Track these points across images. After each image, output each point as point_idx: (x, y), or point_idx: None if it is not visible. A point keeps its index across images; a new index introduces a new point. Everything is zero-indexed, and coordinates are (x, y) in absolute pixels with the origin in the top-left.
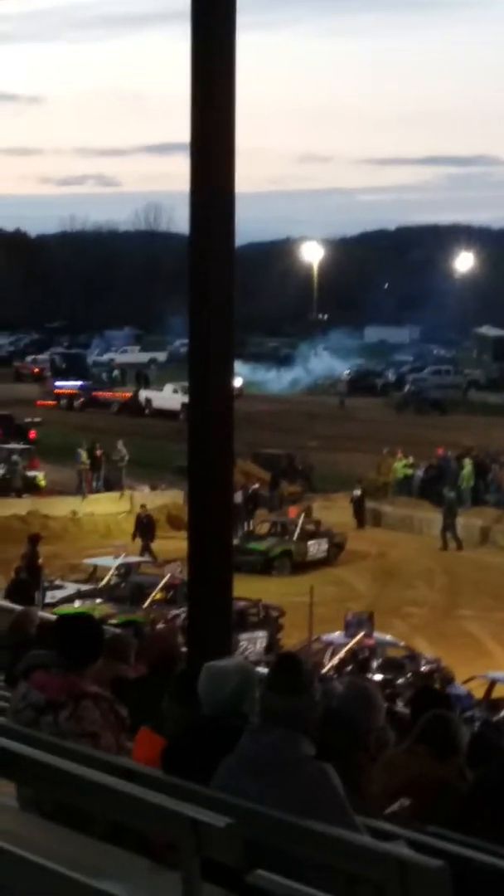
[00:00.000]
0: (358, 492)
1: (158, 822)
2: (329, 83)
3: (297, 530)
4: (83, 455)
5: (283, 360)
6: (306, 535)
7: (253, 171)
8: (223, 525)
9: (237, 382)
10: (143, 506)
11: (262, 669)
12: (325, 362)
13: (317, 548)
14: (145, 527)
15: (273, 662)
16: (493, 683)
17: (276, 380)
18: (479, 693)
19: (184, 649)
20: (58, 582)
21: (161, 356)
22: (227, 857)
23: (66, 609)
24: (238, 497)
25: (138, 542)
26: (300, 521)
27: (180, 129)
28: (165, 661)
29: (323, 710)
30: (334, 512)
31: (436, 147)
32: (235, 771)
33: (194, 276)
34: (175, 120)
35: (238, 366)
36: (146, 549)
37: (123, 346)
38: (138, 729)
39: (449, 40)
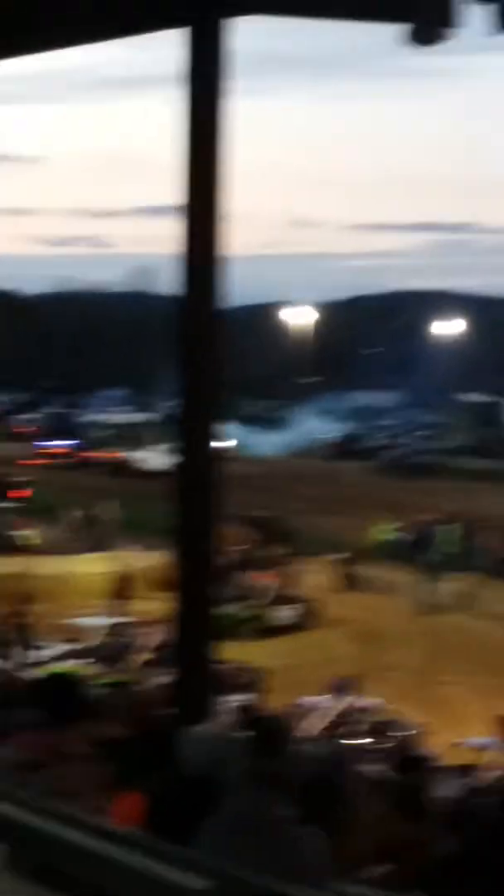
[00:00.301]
0: (345, 555)
1: (139, 884)
2: (320, 149)
3: (270, 596)
4: (73, 515)
5: (271, 423)
6: (279, 601)
7: (243, 235)
8: (207, 586)
9: (231, 444)
10: (127, 564)
11: (245, 732)
12: (311, 425)
13: (288, 613)
14: (123, 586)
15: (253, 726)
16: (476, 749)
17: (264, 442)
18: (462, 758)
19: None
20: (43, 643)
21: (154, 417)
22: None
23: (52, 668)
24: (234, 557)
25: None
26: (274, 587)
27: (172, 192)
28: (149, 722)
29: (303, 772)
30: (320, 575)
31: (424, 214)
32: (217, 831)
33: (183, 339)
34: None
35: (232, 427)
36: (122, 609)
37: (116, 406)
38: (121, 789)
39: (438, 109)
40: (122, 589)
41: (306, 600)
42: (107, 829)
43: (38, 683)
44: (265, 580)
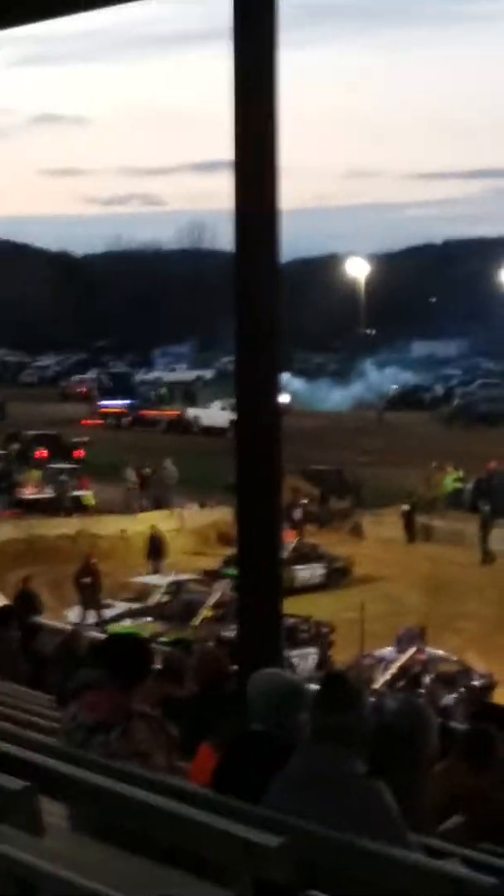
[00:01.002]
0: (407, 507)
1: (210, 842)
2: (373, 99)
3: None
4: (131, 474)
5: (331, 376)
6: (299, 560)
7: (298, 188)
8: (272, 541)
9: (285, 399)
10: (152, 525)
11: (313, 686)
12: (372, 377)
13: (310, 573)
14: (155, 546)
15: (321, 680)
16: None
17: (324, 395)
18: None
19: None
20: (107, 601)
21: (208, 374)
22: (280, 876)
23: (116, 627)
24: (297, 513)
25: (191, 559)
26: (291, 545)
27: (224, 147)
28: (215, 680)
29: (374, 726)
30: (384, 527)
31: (483, 160)
32: (286, 788)
33: (240, 294)
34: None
35: (286, 381)
36: (156, 568)
37: (173, 364)
38: (188, 748)
39: (496, 53)
40: (154, 548)
41: (334, 558)
42: (176, 788)
43: (103, 643)
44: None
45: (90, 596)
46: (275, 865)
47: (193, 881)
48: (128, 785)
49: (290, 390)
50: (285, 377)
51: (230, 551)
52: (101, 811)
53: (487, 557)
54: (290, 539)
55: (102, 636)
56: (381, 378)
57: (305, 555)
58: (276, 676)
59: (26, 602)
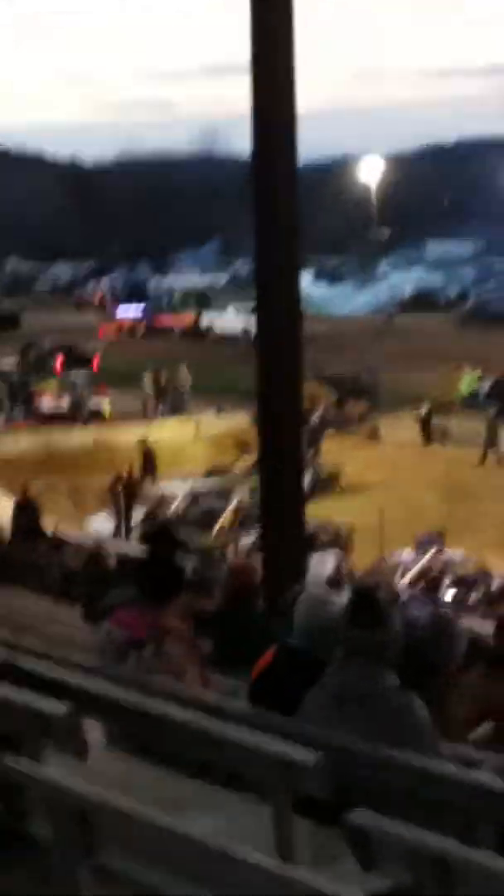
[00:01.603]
0: (424, 409)
1: (246, 759)
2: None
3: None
4: (148, 381)
5: (351, 278)
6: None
7: (308, 90)
8: (294, 445)
9: (309, 302)
10: (142, 439)
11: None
12: (387, 279)
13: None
14: (149, 461)
15: (350, 596)
16: None
17: (345, 298)
18: None
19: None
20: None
21: (222, 278)
22: (317, 791)
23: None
24: (316, 419)
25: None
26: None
27: (237, 52)
28: (244, 594)
29: (404, 639)
30: (401, 430)
31: (496, 57)
32: (321, 703)
33: (259, 197)
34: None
35: (309, 285)
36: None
37: (189, 269)
38: (221, 661)
39: None
40: (147, 461)
41: (320, 465)
42: (211, 705)
43: (134, 562)
44: None
45: (127, 505)
46: (311, 781)
47: (233, 797)
48: (162, 701)
49: (310, 294)
50: (306, 281)
51: (249, 457)
52: (139, 729)
53: (486, 458)
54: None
55: (127, 551)
56: (397, 280)
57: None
58: (325, 605)
59: (26, 512)
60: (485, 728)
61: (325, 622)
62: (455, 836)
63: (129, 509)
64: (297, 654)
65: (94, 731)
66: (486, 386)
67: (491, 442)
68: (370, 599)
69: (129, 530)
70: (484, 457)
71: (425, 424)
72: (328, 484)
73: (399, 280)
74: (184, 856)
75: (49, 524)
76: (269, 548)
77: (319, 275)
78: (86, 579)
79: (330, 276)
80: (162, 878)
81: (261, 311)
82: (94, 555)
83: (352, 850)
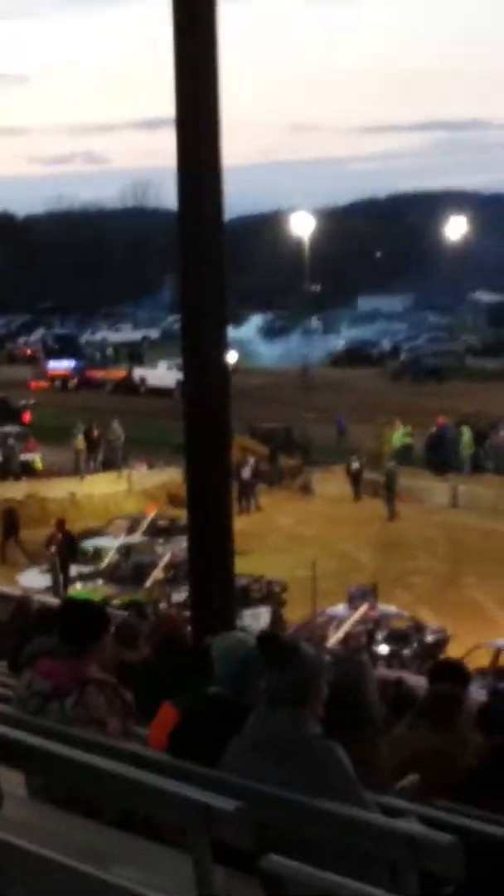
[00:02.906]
0: (357, 464)
1: (168, 807)
2: (316, 50)
3: (144, 526)
4: (80, 436)
5: (280, 333)
6: (156, 532)
7: (240, 143)
8: (222, 500)
9: (232, 358)
10: (5, 500)
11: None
12: (318, 334)
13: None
14: (10, 522)
15: (255, 642)
16: (498, 651)
17: (274, 352)
18: (484, 661)
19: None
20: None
21: (154, 333)
22: (238, 840)
23: (69, 591)
24: (246, 472)
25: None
26: (149, 518)
27: (169, 104)
28: (171, 642)
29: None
30: (334, 484)
31: (427, 113)
32: (243, 752)
33: (185, 252)
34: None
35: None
36: (6, 543)
37: (118, 325)
38: (145, 712)
39: (437, 4)
40: (7, 523)
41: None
42: (133, 754)
43: (55, 609)
44: (147, 512)
45: (63, 560)
46: (232, 829)
47: (152, 847)
48: (84, 752)
49: (239, 348)
50: (234, 335)
51: (181, 512)
52: (58, 778)
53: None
54: (148, 512)
55: (53, 601)
56: (327, 335)
57: (165, 529)
58: (237, 640)
59: None
60: (410, 779)
61: (241, 664)
62: (380, 885)
63: (65, 564)
64: (220, 703)
65: (14, 780)
66: (418, 440)
67: (389, 494)
68: (272, 642)
69: (66, 585)
70: (391, 509)
71: (356, 478)
72: None
73: (325, 336)
74: None
75: None
76: (198, 602)
77: (247, 330)
78: (12, 630)
79: (256, 330)
80: None
81: (188, 364)
82: (21, 605)
83: None
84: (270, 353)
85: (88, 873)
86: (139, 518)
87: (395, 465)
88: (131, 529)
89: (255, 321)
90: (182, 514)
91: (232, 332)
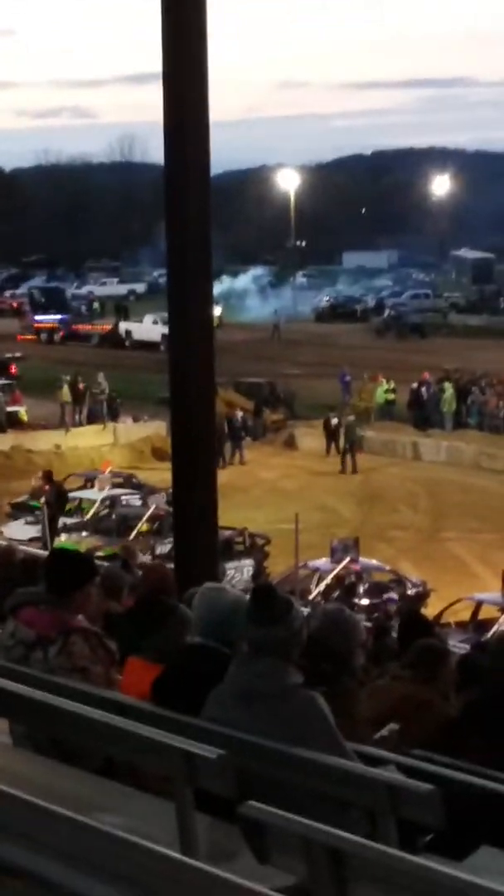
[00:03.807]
0: (336, 420)
1: (150, 755)
2: (306, 9)
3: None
4: (65, 389)
5: (265, 288)
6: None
7: (227, 99)
8: (207, 454)
9: (216, 312)
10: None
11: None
12: (303, 289)
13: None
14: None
15: (250, 594)
16: (479, 604)
17: (259, 307)
18: (465, 615)
19: None
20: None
21: (140, 288)
22: (220, 787)
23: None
24: (233, 425)
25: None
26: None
27: (156, 58)
28: (156, 593)
29: (308, 637)
30: (316, 438)
31: (413, 70)
32: (224, 701)
33: (171, 206)
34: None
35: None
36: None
37: (104, 278)
38: (128, 661)
39: None
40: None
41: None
42: (116, 702)
43: (40, 559)
44: (103, 468)
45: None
46: (214, 777)
47: (136, 795)
48: (68, 700)
49: (225, 303)
50: (220, 290)
51: (165, 465)
52: (42, 726)
53: (355, 468)
54: (104, 468)
55: (37, 552)
56: (313, 290)
57: (119, 485)
58: (220, 591)
59: None
60: (390, 728)
61: (220, 613)
62: (359, 832)
63: (54, 518)
64: (203, 653)
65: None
66: (401, 395)
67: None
68: (269, 596)
69: (54, 536)
70: (343, 463)
71: (333, 434)
72: None
73: (306, 290)
74: (86, 848)
75: None
76: (182, 555)
77: (233, 285)
78: None
79: (241, 285)
80: (63, 871)
81: (173, 318)
82: (5, 556)
83: (247, 843)
84: (259, 308)
85: (72, 819)
86: (95, 474)
87: (354, 420)
88: (89, 484)
89: (254, 273)
90: (137, 472)
91: (228, 285)
